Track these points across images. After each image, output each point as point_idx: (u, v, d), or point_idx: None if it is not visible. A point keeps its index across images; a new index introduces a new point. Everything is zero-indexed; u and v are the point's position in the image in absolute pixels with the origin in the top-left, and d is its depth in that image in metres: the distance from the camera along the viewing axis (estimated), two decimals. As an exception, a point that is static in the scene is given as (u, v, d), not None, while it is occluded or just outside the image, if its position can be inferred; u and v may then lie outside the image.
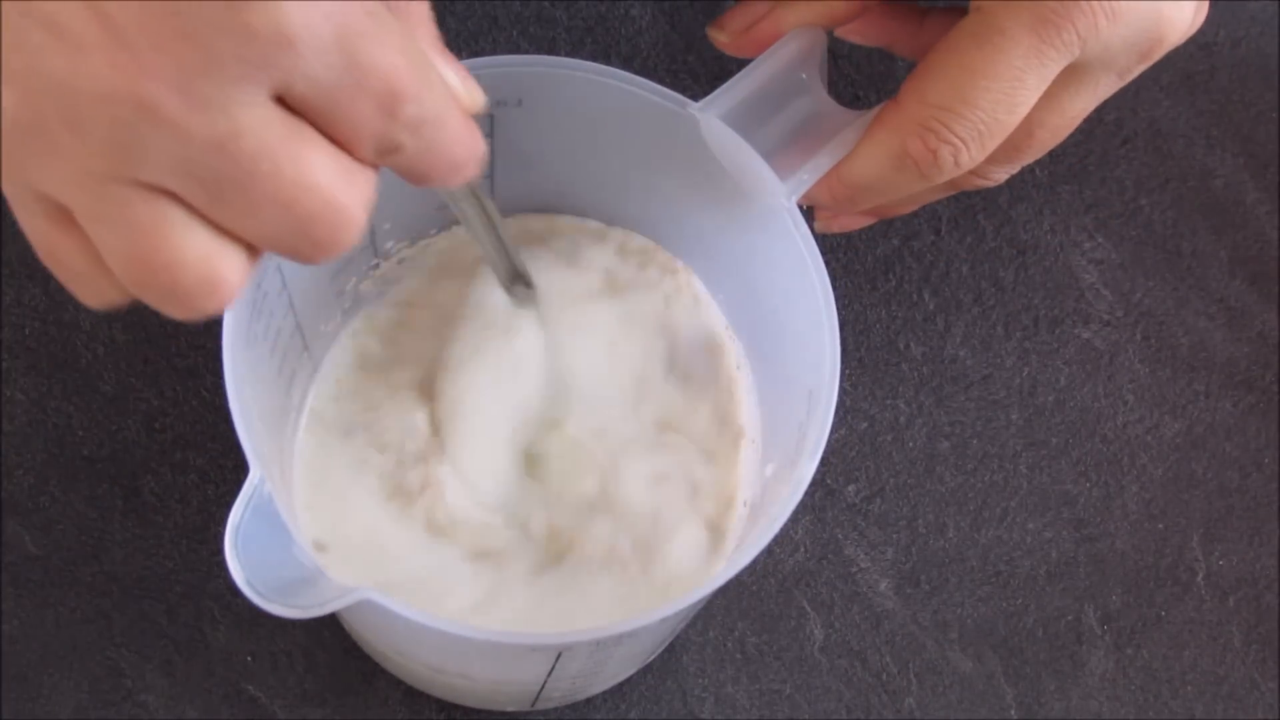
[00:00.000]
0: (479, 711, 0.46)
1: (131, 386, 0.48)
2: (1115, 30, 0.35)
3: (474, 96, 0.30)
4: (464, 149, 0.30)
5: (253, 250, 0.28)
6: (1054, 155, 0.54)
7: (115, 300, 0.29)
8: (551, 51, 0.53)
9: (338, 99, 0.26)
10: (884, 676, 0.48)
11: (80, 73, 0.25)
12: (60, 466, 0.47)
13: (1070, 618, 0.49)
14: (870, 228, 0.52)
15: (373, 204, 0.28)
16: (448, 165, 0.30)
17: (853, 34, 0.41)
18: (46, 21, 0.25)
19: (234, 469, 0.47)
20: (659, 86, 0.38)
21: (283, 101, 0.26)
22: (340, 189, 0.27)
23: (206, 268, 0.27)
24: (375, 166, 0.28)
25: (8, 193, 0.28)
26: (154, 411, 0.47)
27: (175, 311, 0.28)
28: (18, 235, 0.49)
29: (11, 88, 0.25)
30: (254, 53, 0.25)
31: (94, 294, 0.29)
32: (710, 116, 0.37)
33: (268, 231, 0.27)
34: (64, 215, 0.27)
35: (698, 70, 0.53)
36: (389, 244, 0.43)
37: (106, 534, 0.46)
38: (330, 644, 0.46)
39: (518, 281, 0.42)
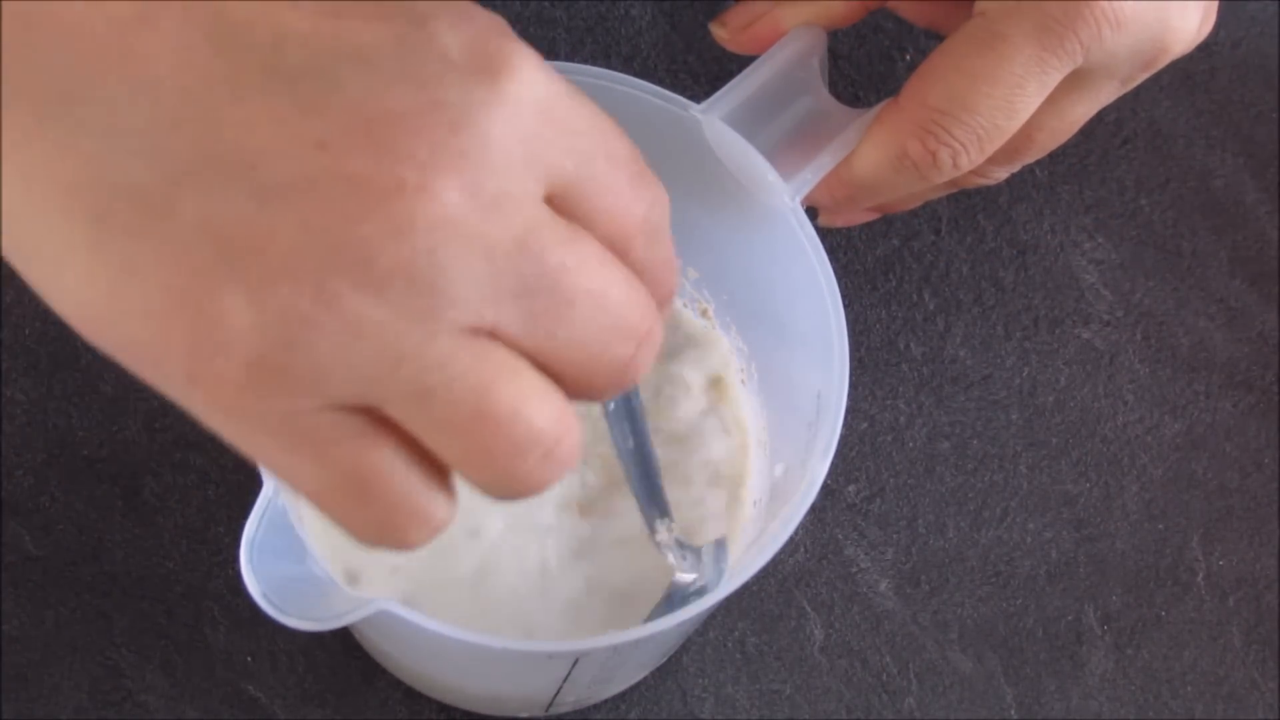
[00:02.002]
0: (484, 715, 0.46)
1: (131, 386, 0.48)
2: (1119, 40, 0.35)
3: None
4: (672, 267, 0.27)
5: (570, 388, 0.24)
6: (1054, 155, 0.54)
7: (448, 515, 0.24)
8: (551, 51, 0.53)
9: (600, 184, 0.24)
10: (884, 676, 0.48)
11: (348, 221, 0.21)
12: (60, 466, 0.47)
13: (1070, 618, 0.49)
14: (870, 227, 0.52)
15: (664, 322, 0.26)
16: (669, 280, 0.27)
17: None
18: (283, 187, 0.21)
19: (234, 469, 0.47)
20: (660, 89, 0.38)
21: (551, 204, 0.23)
22: (630, 280, 0.25)
23: (549, 408, 0.23)
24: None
25: (278, 436, 0.23)
26: (154, 411, 0.47)
27: (524, 485, 0.24)
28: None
29: (252, 306, 0.21)
30: (523, 139, 0.22)
31: (425, 515, 0.24)
32: (713, 118, 0.37)
33: (583, 338, 0.24)
34: (365, 424, 0.22)
35: (698, 70, 0.53)
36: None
37: (106, 534, 0.46)
38: (330, 644, 0.46)
39: (662, 518, 0.39)
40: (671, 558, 0.40)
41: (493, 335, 0.23)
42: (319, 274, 0.21)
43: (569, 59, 0.39)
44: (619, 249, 0.25)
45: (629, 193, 0.25)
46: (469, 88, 0.21)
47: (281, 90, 0.20)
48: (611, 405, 0.36)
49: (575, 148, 0.23)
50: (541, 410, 0.23)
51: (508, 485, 0.24)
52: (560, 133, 0.23)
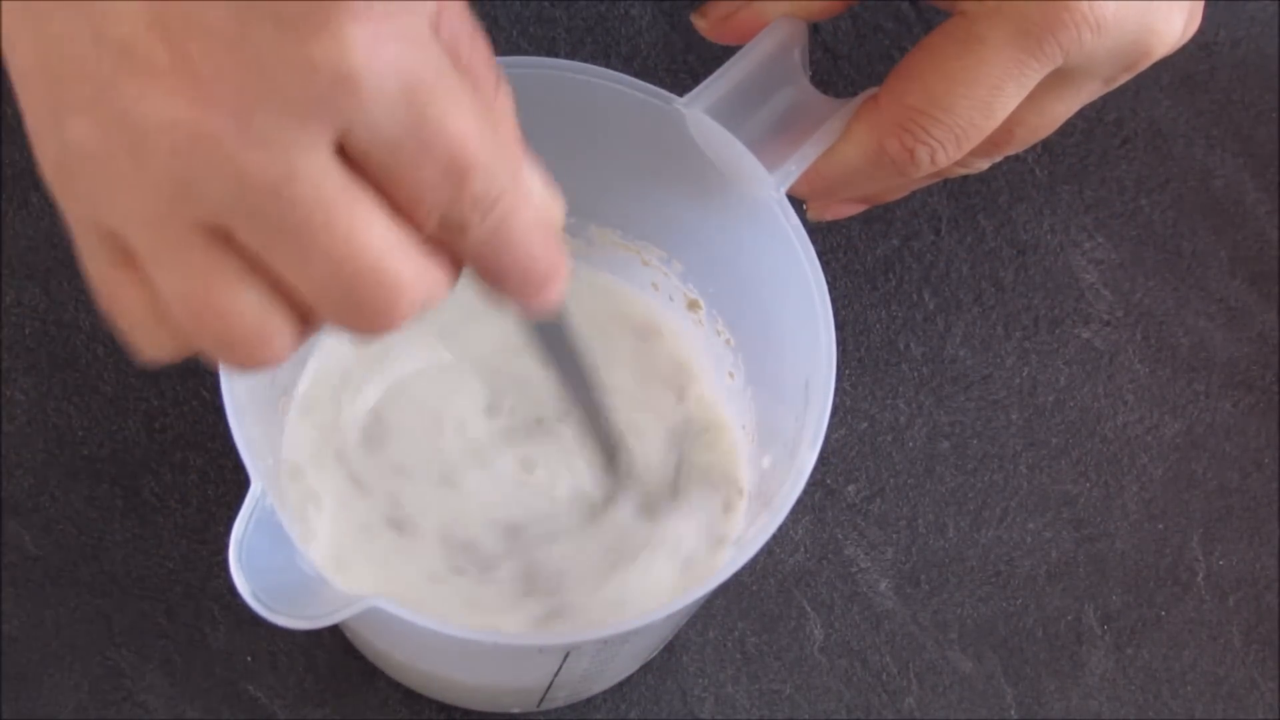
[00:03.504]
0: (479, 711, 0.46)
1: (131, 386, 0.48)
2: (1100, 42, 0.35)
3: (555, 206, 0.28)
4: (541, 252, 0.27)
5: (306, 318, 0.26)
6: (1054, 155, 0.54)
7: (171, 352, 0.27)
8: (551, 51, 0.53)
9: (400, 157, 0.25)
10: (884, 676, 0.48)
11: (146, 100, 0.24)
12: (60, 466, 0.47)
13: (1070, 618, 0.49)
14: (870, 227, 0.52)
15: (442, 290, 0.26)
16: (521, 267, 0.27)
17: None
18: (120, 47, 0.24)
19: (234, 469, 0.47)
20: (642, 83, 0.38)
21: (345, 157, 0.25)
22: (395, 257, 0.25)
23: (258, 321, 0.26)
24: (448, 257, 0.27)
25: (74, 228, 0.27)
26: (154, 411, 0.47)
27: (229, 361, 0.26)
28: (17, 235, 0.50)
29: (81, 116, 0.24)
30: (315, 89, 0.23)
31: (151, 343, 0.27)
32: (696, 111, 0.37)
33: (316, 288, 0.26)
34: (127, 257, 0.26)
35: (698, 70, 0.53)
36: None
37: (106, 534, 0.46)
38: (330, 644, 0.46)
39: (614, 457, 0.39)
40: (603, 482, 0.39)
41: (232, 245, 0.25)
42: (112, 125, 0.24)
43: (569, 59, 0.39)
44: (412, 219, 0.26)
45: (424, 168, 0.25)
46: (278, 36, 0.23)
47: None
48: (530, 328, 0.33)
49: (375, 117, 0.24)
50: (251, 316, 0.26)
51: (223, 361, 0.27)
52: (362, 100, 0.24)
